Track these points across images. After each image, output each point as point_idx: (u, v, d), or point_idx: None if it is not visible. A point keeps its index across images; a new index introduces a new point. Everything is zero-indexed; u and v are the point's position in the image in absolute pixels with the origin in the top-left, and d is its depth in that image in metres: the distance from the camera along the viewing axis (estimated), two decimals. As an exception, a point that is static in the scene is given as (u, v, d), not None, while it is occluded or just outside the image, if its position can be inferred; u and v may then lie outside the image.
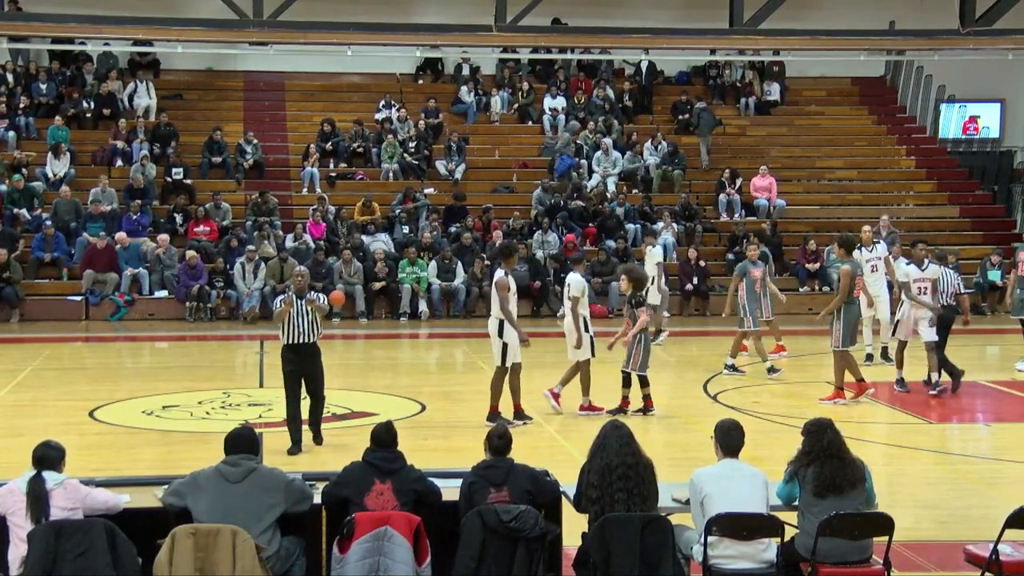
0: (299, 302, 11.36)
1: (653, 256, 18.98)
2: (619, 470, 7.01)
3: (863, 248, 16.68)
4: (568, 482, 7.44)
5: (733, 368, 16.38)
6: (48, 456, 6.96)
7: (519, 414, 12.97)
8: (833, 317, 14.17)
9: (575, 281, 13.56)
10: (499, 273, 12.91)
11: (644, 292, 13.94)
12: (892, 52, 28.30)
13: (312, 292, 11.74)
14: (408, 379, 16.87)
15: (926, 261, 14.85)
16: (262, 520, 6.89)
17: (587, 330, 13.44)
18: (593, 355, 13.51)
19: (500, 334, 12.78)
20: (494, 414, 12.87)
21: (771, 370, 16.16)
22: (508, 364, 12.86)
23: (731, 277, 23.51)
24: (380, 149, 26.84)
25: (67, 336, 20.84)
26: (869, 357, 17.13)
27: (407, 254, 23.32)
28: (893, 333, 15.69)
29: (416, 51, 26.67)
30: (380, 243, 23.94)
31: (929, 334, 14.74)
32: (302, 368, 11.43)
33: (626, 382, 13.52)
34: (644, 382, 13.50)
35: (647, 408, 13.51)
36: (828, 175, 28.73)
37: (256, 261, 22.64)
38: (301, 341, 11.35)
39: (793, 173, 28.52)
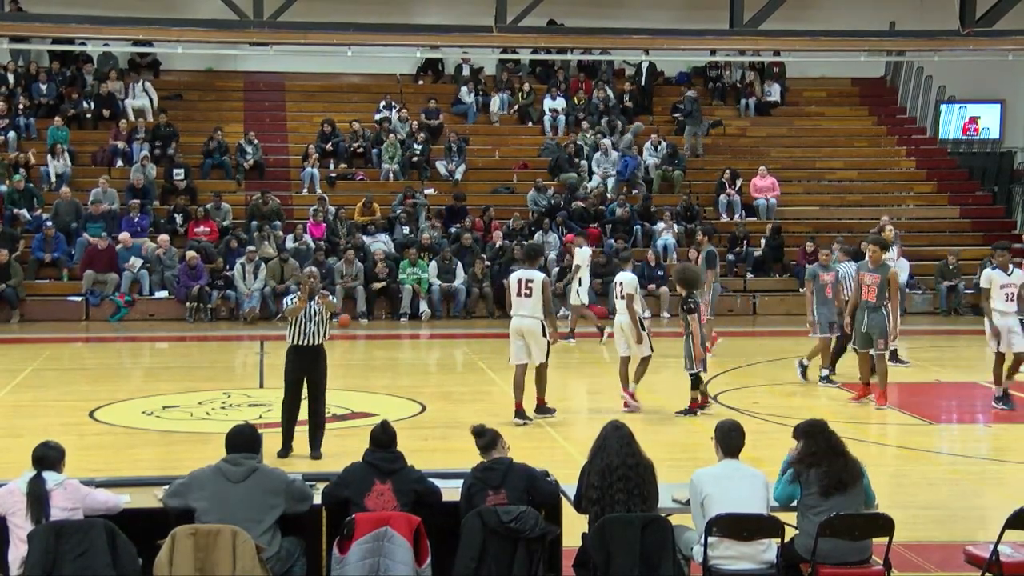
0: (311, 303, 11.22)
1: (580, 256, 19.50)
2: (619, 471, 7.01)
3: None
4: (568, 482, 7.44)
5: (828, 379, 15.60)
6: (48, 456, 6.95)
7: (519, 413, 12.97)
8: (885, 319, 14.06)
9: (627, 279, 13.71)
10: (543, 274, 13.00)
11: (696, 295, 13.62)
12: (892, 53, 28.30)
13: (323, 291, 11.69)
14: (408, 380, 16.82)
15: (1011, 266, 14.25)
16: (263, 520, 6.88)
17: (642, 327, 13.57)
18: (652, 350, 13.65)
19: (545, 333, 12.89)
20: (542, 406, 13.13)
21: (802, 371, 15.96)
22: (548, 360, 13.04)
23: (732, 278, 23.43)
24: (380, 149, 26.84)
25: (67, 336, 20.82)
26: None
27: (408, 255, 23.31)
28: (1000, 347, 14.03)
29: (416, 52, 26.68)
30: (380, 243, 23.93)
31: (1020, 343, 13.89)
32: (306, 370, 11.32)
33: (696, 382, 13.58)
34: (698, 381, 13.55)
35: (698, 407, 13.48)
36: (828, 176, 28.72)
37: (256, 262, 22.63)
38: (308, 343, 11.25)
39: (793, 174, 28.49)
